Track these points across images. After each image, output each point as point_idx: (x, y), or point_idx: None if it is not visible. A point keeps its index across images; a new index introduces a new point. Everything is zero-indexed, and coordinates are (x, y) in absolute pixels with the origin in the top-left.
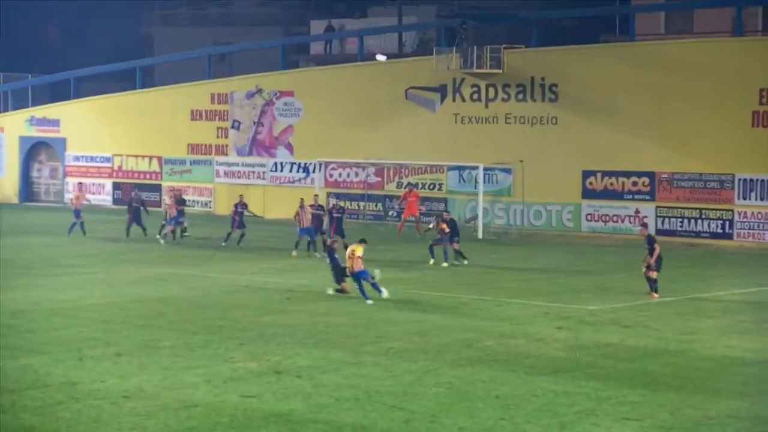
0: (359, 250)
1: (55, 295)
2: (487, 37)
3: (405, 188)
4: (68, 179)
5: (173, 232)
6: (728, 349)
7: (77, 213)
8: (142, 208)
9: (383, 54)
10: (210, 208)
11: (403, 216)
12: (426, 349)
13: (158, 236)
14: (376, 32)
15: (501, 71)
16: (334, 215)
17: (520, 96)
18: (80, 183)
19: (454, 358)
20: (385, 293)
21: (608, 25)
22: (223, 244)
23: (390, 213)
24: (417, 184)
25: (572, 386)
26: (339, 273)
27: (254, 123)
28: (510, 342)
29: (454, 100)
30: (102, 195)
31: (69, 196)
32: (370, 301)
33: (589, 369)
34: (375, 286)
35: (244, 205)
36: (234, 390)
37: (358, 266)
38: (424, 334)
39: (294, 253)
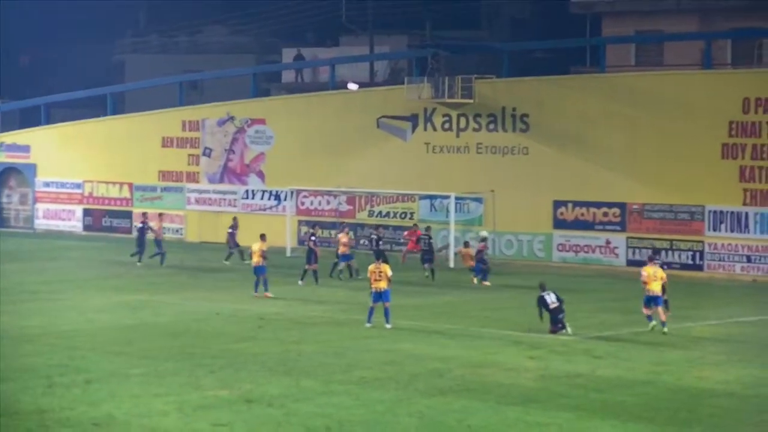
0: (388, 270)
1: (23, 321)
2: (458, 67)
3: (410, 228)
4: (38, 205)
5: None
6: (699, 381)
7: (159, 243)
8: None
9: (355, 83)
10: (181, 235)
11: (407, 248)
12: (397, 378)
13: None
14: (347, 61)
15: (472, 101)
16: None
17: (492, 126)
18: (161, 214)
19: (426, 388)
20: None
21: (579, 57)
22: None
23: (361, 242)
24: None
25: (544, 416)
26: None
27: (226, 150)
28: (481, 371)
29: (425, 129)
30: (72, 221)
31: (149, 225)
32: (368, 324)
33: (561, 399)
34: (387, 312)
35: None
36: (204, 418)
37: (384, 286)
38: (395, 363)
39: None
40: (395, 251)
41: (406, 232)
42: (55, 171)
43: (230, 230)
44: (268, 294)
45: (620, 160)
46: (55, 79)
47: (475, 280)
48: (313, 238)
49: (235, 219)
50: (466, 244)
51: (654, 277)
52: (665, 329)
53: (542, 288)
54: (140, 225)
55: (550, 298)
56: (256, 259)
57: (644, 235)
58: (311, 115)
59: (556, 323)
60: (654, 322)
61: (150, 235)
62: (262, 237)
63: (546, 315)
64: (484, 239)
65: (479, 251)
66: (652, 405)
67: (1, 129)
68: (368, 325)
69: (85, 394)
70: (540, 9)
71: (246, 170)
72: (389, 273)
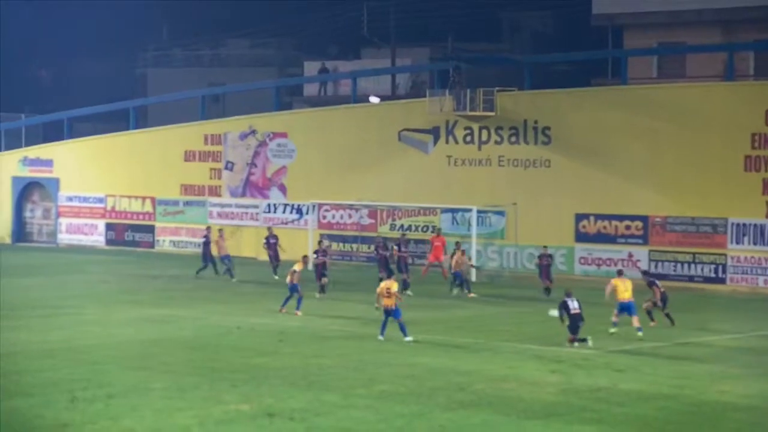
0: (395, 287)
1: (45, 336)
2: (480, 79)
3: (432, 233)
4: (61, 219)
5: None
6: (720, 395)
7: (226, 258)
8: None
9: (376, 96)
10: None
11: (428, 260)
12: (418, 392)
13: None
14: (369, 74)
15: (494, 114)
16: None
17: (513, 138)
18: (221, 229)
19: (446, 402)
20: (409, 338)
21: (601, 69)
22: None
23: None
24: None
25: (565, 430)
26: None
27: (247, 164)
28: (502, 385)
29: (447, 142)
30: (95, 236)
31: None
32: (381, 337)
33: (582, 413)
34: (402, 327)
35: (275, 237)
36: None
37: (393, 304)
38: (415, 377)
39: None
40: (417, 265)
41: (431, 237)
42: (77, 185)
43: (271, 240)
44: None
45: (642, 173)
46: (77, 93)
47: (455, 291)
48: (316, 254)
49: (208, 229)
50: (463, 251)
51: (625, 288)
52: (640, 333)
53: (567, 294)
54: (203, 239)
55: (573, 304)
56: (291, 278)
57: (666, 248)
58: (333, 129)
59: (576, 331)
60: (616, 329)
61: (214, 250)
62: (304, 259)
63: (566, 320)
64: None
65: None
66: (673, 419)
67: (25, 143)
68: (380, 338)
69: (107, 408)
70: (561, 21)
71: (268, 184)
72: (395, 289)
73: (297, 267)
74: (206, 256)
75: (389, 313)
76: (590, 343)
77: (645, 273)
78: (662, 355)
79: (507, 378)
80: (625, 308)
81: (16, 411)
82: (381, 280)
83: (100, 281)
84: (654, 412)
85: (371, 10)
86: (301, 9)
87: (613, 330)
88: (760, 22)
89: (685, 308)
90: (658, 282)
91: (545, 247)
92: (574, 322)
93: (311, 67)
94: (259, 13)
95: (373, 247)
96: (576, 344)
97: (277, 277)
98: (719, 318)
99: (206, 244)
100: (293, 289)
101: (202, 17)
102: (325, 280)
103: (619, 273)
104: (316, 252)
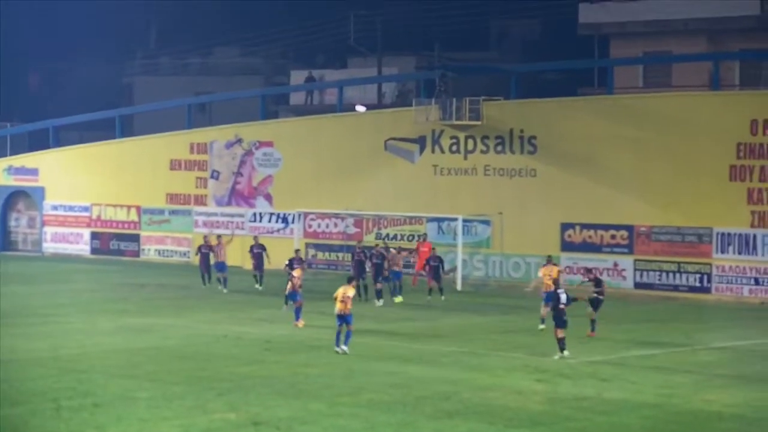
0: (351, 292)
1: (30, 344)
2: (466, 88)
3: (418, 240)
4: (46, 228)
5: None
6: (706, 404)
7: (221, 266)
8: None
9: (363, 105)
10: (188, 258)
11: (416, 268)
12: (404, 401)
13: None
14: (355, 83)
15: (480, 123)
16: (432, 264)
17: (499, 148)
18: (219, 236)
19: (433, 411)
20: (345, 348)
21: (587, 78)
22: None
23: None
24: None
25: None
26: None
27: (233, 173)
28: (488, 394)
29: (433, 151)
30: (80, 244)
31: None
32: (343, 348)
33: (568, 422)
34: (348, 335)
35: (261, 247)
36: None
37: (347, 309)
38: (402, 386)
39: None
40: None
41: (417, 243)
42: (63, 194)
43: (255, 249)
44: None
45: (628, 182)
46: (63, 102)
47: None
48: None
49: (256, 238)
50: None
51: (549, 275)
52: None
53: (557, 284)
54: (205, 250)
55: (563, 298)
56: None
57: (652, 257)
58: (319, 138)
59: (562, 324)
60: (545, 325)
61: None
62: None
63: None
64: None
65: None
66: (659, 428)
67: (10, 152)
68: (338, 349)
69: (92, 417)
70: (548, 31)
71: (254, 193)
72: (350, 294)
73: (296, 273)
74: (207, 266)
75: (343, 318)
76: (566, 353)
77: (588, 270)
78: (648, 365)
79: (493, 387)
80: (550, 298)
81: (1, 420)
82: (350, 280)
83: (86, 290)
84: (639, 421)
85: (358, 20)
86: (288, 18)
87: (542, 327)
88: (745, 32)
89: (670, 318)
90: (603, 284)
91: (434, 249)
92: (560, 316)
93: (298, 76)
94: (246, 23)
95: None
96: (558, 355)
97: (259, 287)
98: (704, 327)
99: (205, 255)
100: (295, 296)
101: (190, 26)
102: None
103: (549, 259)
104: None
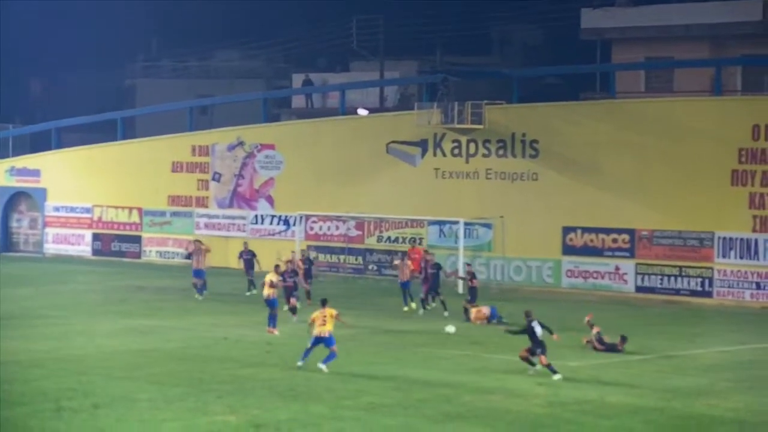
0: (332, 312)
1: (31, 346)
2: (468, 92)
3: (409, 245)
4: (48, 229)
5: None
6: (708, 408)
7: (198, 273)
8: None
9: (365, 108)
10: (189, 260)
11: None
12: (405, 404)
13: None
14: (357, 86)
15: (482, 127)
16: (429, 271)
17: (501, 151)
18: (197, 241)
19: (434, 414)
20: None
21: (589, 83)
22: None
23: (370, 267)
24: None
25: None
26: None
27: (235, 175)
28: (490, 398)
29: (434, 154)
30: (81, 246)
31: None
32: (321, 366)
33: (569, 426)
34: (331, 356)
35: (251, 253)
36: None
37: (328, 331)
38: (403, 389)
39: (406, 308)
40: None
41: (408, 249)
42: (64, 195)
43: (245, 255)
44: (273, 330)
45: (629, 187)
46: (66, 104)
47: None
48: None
49: (245, 244)
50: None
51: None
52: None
53: (528, 315)
54: (247, 256)
55: (539, 330)
56: (267, 291)
57: (653, 261)
58: (321, 141)
59: (535, 352)
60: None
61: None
62: (276, 268)
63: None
64: None
65: None
66: None
67: (12, 153)
68: (300, 363)
69: (93, 418)
70: (551, 35)
71: (255, 195)
72: (334, 313)
73: (267, 278)
74: (251, 272)
75: (321, 340)
76: (538, 367)
77: (468, 264)
78: (650, 369)
79: (494, 390)
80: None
81: (2, 421)
82: (324, 303)
83: (87, 291)
84: (641, 425)
85: (360, 23)
86: (290, 21)
87: (406, 308)
88: (747, 38)
89: (671, 321)
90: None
91: (432, 254)
92: (535, 346)
93: (299, 80)
94: (248, 26)
95: (360, 259)
96: (532, 369)
97: (248, 294)
98: (706, 331)
99: (248, 261)
100: (270, 304)
101: (191, 29)
102: (293, 301)
103: (413, 243)
104: (282, 274)
